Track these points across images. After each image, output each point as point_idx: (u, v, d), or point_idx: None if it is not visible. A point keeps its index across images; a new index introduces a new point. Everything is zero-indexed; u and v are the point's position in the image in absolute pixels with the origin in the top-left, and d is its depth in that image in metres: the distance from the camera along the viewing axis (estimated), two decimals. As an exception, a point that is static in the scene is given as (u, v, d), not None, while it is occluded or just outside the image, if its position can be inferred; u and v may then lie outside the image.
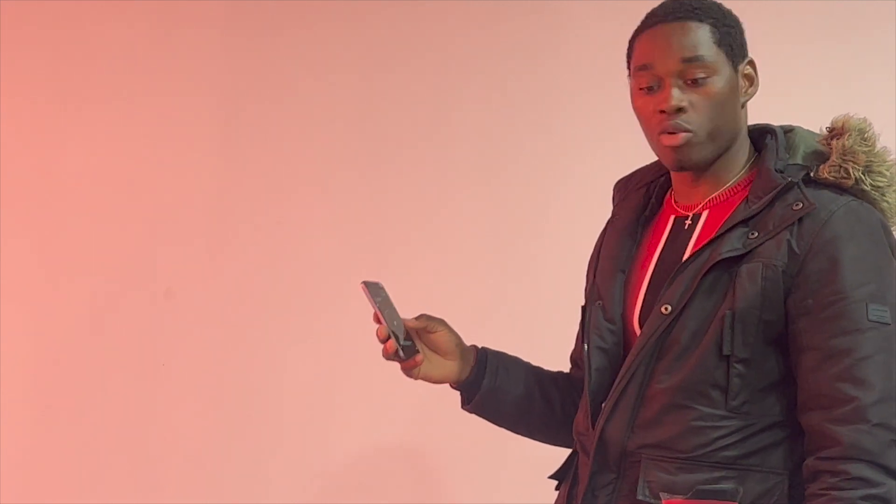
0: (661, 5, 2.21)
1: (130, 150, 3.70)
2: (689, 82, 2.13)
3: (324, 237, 3.58)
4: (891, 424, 2.02)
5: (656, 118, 2.14)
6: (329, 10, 3.64)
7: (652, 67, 2.15)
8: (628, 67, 2.23)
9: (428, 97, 3.57)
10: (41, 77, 3.76)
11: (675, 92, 2.13)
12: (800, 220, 2.09)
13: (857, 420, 2.01)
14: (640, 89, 2.17)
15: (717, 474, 2.08)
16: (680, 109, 2.13)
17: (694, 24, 2.15)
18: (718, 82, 2.14)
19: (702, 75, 2.13)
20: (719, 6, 2.21)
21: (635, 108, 2.20)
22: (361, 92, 3.61)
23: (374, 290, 2.24)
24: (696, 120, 2.13)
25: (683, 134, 2.13)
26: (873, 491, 1.99)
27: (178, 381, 3.63)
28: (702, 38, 2.14)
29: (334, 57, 3.63)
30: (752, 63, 2.21)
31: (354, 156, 3.61)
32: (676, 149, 2.14)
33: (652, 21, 2.20)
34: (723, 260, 2.10)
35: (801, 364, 2.08)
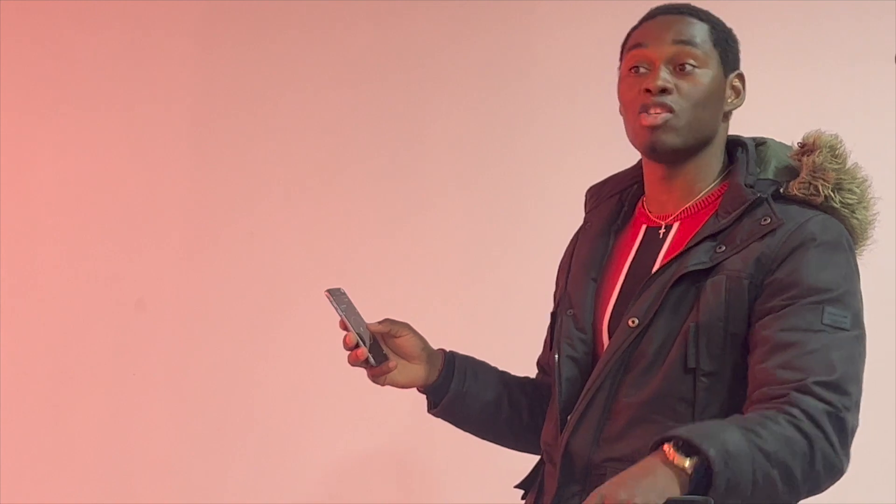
0: (665, 3, 2.24)
1: (102, 161, 3.70)
2: (678, 69, 2.15)
3: (297, 247, 3.58)
4: (830, 400, 1.97)
5: (640, 97, 2.15)
6: (304, 19, 3.64)
7: (645, 47, 2.17)
8: (620, 59, 2.24)
9: (402, 107, 3.58)
10: (10, 85, 3.73)
11: (664, 73, 2.14)
12: (769, 232, 2.09)
13: (800, 390, 1.97)
14: (630, 70, 2.18)
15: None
16: (665, 90, 2.13)
17: (694, 20, 2.19)
18: (706, 76, 2.16)
19: (692, 63, 2.15)
20: (720, 19, 2.23)
21: (620, 92, 2.20)
22: (335, 102, 3.61)
23: (338, 297, 2.21)
24: (679, 103, 2.14)
25: (665, 114, 2.13)
26: (797, 422, 1.94)
27: (149, 390, 3.61)
28: (699, 31, 2.18)
29: (308, 67, 3.63)
30: (741, 77, 2.22)
31: (327, 167, 3.60)
32: (654, 128, 2.13)
33: (651, 14, 2.23)
34: (690, 273, 2.10)
35: (752, 359, 2.06)
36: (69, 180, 3.71)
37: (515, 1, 3.53)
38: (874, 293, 3.02)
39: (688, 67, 2.15)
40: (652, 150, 2.17)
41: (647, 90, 2.13)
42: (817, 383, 1.97)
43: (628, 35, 2.24)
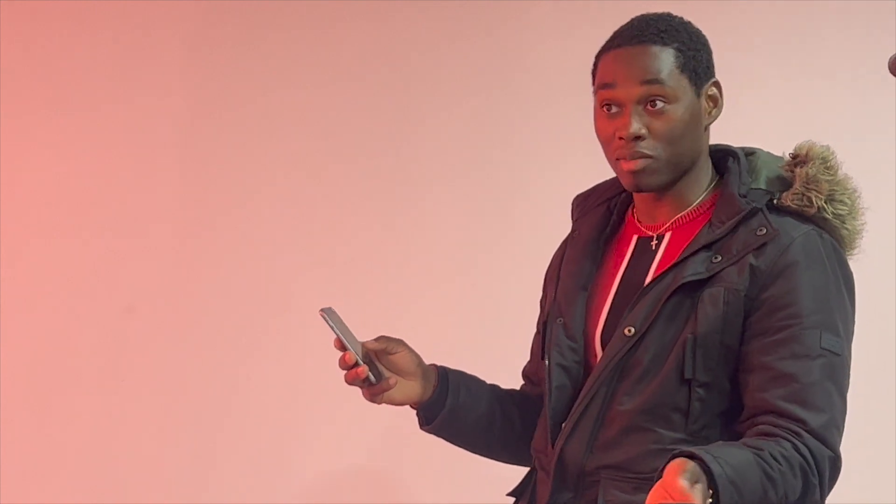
0: (629, 26, 2.20)
1: (90, 166, 3.67)
2: (648, 108, 2.13)
3: (288, 252, 3.57)
4: (832, 444, 2.05)
5: (615, 143, 2.15)
6: (296, 20, 3.62)
7: (613, 88, 2.15)
8: (593, 84, 2.22)
9: (395, 109, 3.56)
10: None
11: (635, 119, 2.12)
12: (762, 244, 2.10)
13: (810, 433, 2.03)
14: (602, 107, 2.17)
15: None
16: (638, 137, 2.12)
17: (657, 49, 2.14)
18: (678, 110, 2.14)
19: (661, 101, 2.13)
20: (686, 27, 2.19)
21: (596, 128, 2.19)
22: (326, 105, 3.59)
23: (333, 317, 2.20)
24: (654, 146, 2.13)
25: (642, 160, 2.13)
26: (807, 468, 2.01)
27: (138, 397, 3.60)
28: (664, 63, 2.14)
29: (300, 68, 3.61)
30: (717, 84, 2.20)
31: (319, 170, 3.59)
32: (635, 173, 2.14)
33: (617, 42, 2.18)
34: (686, 284, 2.11)
35: (749, 383, 2.09)
36: (59, 184, 3.67)
37: (508, 3, 3.52)
38: (875, 293, 3.03)
39: (658, 104, 2.13)
40: (638, 191, 2.20)
41: (621, 137, 2.13)
42: (822, 427, 2.04)
43: (596, 61, 2.21)
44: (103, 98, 3.68)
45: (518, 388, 2.44)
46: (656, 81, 2.13)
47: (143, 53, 3.68)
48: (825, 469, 2.03)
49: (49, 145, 3.70)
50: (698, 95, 2.17)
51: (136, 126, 3.66)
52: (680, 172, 2.18)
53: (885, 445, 3.22)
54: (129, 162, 3.66)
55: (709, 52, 2.20)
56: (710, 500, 1.89)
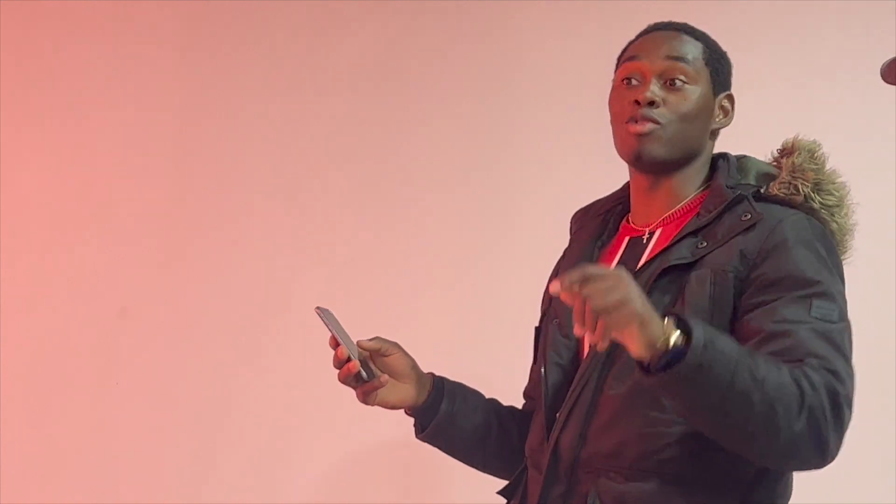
0: (663, 20, 2.30)
1: (86, 168, 3.67)
2: (668, 83, 2.20)
3: (281, 255, 3.57)
4: (831, 381, 1.97)
5: (629, 107, 2.20)
6: (291, 25, 3.62)
7: (638, 59, 2.23)
8: (616, 71, 2.29)
9: (389, 114, 3.56)
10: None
11: (654, 86, 2.19)
12: (750, 227, 2.12)
13: (806, 364, 1.98)
14: (622, 81, 2.24)
15: (666, 486, 2.07)
16: (653, 103, 2.18)
17: (688, 38, 2.25)
18: (695, 92, 2.21)
19: (682, 78, 2.21)
20: (714, 41, 2.28)
21: (610, 102, 2.25)
22: (320, 110, 3.59)
23: (328, 316, 2.23)
24: (665, 115, 2.19)
25: (651, 124, 2.18)
26: (798, 379, 1.95)
27: (133, 400, 3.60)
28: (691, 49, 2.23)
29: (294, 73, 3.61)
30: (730, 98, 2.28)
31: (312, 175, 3.59)
32: (640, 136, 2.18)
33: (649, 28, 2.29)
34: (673, 268, 2.13)
35: None
36: (56, 185, 3.68)
37: (508, 3, 3.52)
38: (874, 293, 3.03)
39: (678, 83, 2.21)
40: (637, 159, 2.22)
41: (637, 101, 2.19)
42: (822, 367, 1.97)
43: (624, 49, 2.29)
44: (101, 100, 3.68)
45: (517, 404, 2.44)
46: (681, 59, 2.21)
47: (141, 57, 3.69)
48: (823, 395, 1.95)
49: (47, 148, 3.71)
50: (713, 95, 2.24)
51: (135, 127, 3.66)
52: (680, 154, 2.21)
53: (885, 445, 3.22)
54: (127, 162, 3.67)
55: (729, 67, 2.29)
56: (680, 335, 1.88)
